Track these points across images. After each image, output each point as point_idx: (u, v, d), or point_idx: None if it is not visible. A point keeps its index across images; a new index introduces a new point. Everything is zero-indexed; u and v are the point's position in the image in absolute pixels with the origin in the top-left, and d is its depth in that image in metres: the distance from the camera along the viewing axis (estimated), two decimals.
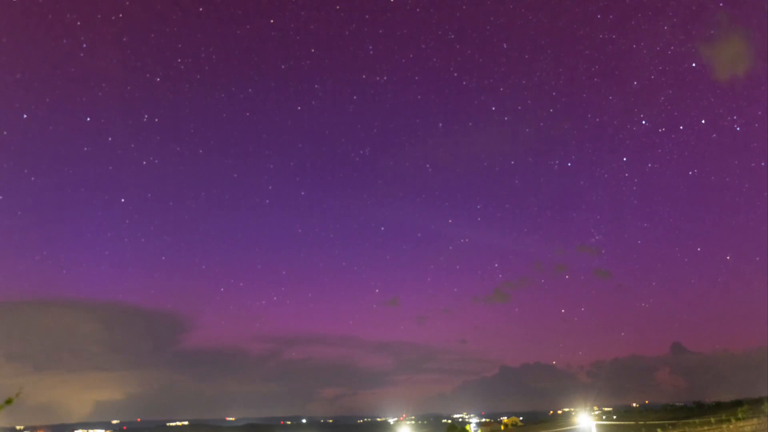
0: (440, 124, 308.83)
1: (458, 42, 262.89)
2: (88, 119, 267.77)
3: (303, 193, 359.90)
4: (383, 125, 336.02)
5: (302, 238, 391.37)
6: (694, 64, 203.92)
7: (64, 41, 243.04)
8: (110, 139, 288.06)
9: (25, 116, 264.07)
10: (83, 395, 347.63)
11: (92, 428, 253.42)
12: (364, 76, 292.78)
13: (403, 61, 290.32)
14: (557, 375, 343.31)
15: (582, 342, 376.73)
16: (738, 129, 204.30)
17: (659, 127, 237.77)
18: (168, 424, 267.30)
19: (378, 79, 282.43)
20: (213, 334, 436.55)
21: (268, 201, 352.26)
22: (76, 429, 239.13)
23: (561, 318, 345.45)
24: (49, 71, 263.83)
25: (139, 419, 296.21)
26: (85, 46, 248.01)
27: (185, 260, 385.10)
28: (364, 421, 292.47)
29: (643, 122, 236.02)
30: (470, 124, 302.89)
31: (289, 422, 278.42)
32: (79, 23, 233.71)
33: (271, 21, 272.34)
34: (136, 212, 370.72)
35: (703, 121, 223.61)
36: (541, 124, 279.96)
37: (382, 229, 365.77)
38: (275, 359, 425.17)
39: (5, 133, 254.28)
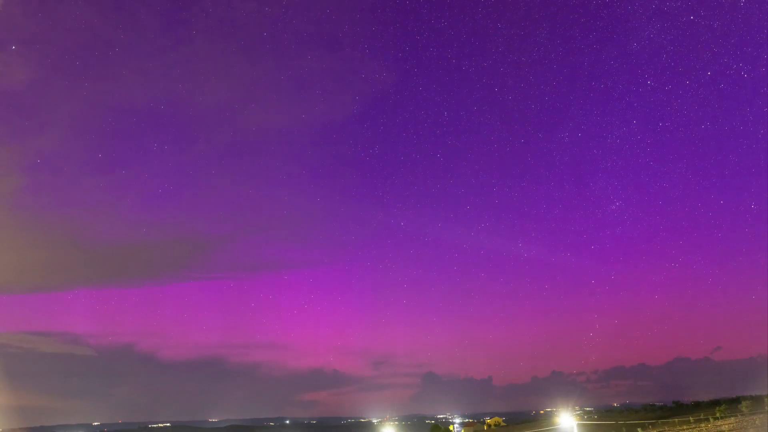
0: (445, 113, 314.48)
1: (452, 28, 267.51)
2: (100, 155, 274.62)
3: (318, 199, 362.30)
4: (389, 121, 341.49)
5: (322, 244, 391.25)
6: (692, 17, 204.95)
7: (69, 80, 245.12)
8: (123, 172, 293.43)
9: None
10: (64, 397, 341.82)
11: (73, 430, 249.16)
12: (363, 76, 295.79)
13: (400, 55, 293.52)
14: None
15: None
16: (745, 76, 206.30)
17: (665, 85, 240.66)
18: (150, 425, 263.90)
19: (377, 76, 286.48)
20: (205, 342, 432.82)
21: (285, 212, 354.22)
22: (56, 431, 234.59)
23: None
24: (57, 108, 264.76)
25: (120, 420, 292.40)
26: (86, 84, 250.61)
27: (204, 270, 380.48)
28: (348, 422, 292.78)
29: (648, 82, 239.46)
30: (475, 108, 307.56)
31: (272, 423, 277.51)
32: (94, 66, 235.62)
33: (265, 34, 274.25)
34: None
35: (708, 73, 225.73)
36: (546, 98, 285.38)
37: (402, 224, 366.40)
38: (269, 363, 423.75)
39: None
